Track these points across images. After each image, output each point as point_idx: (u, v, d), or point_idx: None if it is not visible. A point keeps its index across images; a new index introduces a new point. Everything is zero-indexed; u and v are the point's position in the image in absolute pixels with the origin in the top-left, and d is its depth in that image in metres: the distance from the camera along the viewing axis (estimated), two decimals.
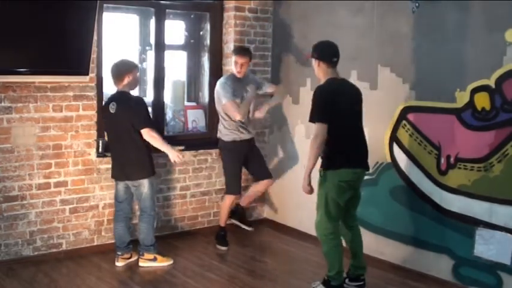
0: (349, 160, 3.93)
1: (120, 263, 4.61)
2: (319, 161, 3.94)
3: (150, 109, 5.35)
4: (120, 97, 4.42)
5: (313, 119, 3.86)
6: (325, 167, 3.92)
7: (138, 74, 4.53)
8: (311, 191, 3.94)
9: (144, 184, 4.48)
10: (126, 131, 4.37)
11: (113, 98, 4.46)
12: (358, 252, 4.18)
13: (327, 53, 3.97)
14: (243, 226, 5.31)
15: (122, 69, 4.42)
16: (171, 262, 4.66)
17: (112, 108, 4.39)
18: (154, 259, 4.61)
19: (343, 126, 3.89)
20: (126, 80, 4.41)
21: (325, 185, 3.92)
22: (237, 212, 5.39)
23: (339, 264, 4.00)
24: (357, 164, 3.98)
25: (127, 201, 4.64)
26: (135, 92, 4.68)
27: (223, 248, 5.10)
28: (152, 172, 4.54)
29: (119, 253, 4.63)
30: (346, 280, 4.22)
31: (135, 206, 4.86)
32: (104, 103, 4.63)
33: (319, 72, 4.00)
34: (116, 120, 4.40)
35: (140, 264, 4.61)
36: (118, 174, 4.54)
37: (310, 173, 3.87)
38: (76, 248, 4.77)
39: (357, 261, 4.19)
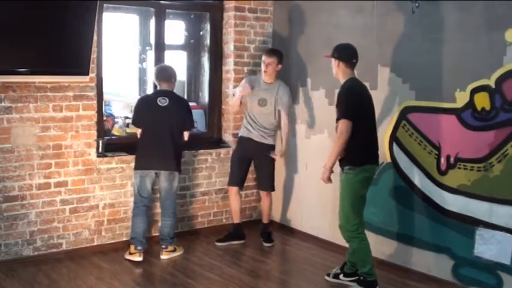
0: (370, 156, 4.10)
1: (137, 258, 4.70)
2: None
3: None
4: (172, 95, 4.70)
5: (343, 115, 3.94)
6: (349, 164, 4.01)
7: None
8: (329, 182, 4.10)
9: (176, 178, 4.74)
10: (176, 125, 4.67)
11: (161, 93, 4.68)
12: None
13: (347, 54, 4.10)
14: (263, 243, 5.24)
15: (173, 73, 4.78)
16: (182, 251, 4.90)
17: (162, 102, 4.62)
18: (175, 250, 4.83)
19: (365, 124, 4.02)
20: (172, 82, 4.75)
21: (350, 183, 4.01)
22: (261, 230, 5.35)
23: (371, 259, 4.10)
24: (374, 160, 4.14)
25: (150, 196, 4.76)
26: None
27: (217, 244, 5.15)
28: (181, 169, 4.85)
29: (139, 248, 4.70)
30: (341, 276, 4.32)
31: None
32: (145, 96, 4.94)
33: (338, 72, 4.14)
34: (167, 113, 4.62)
35: (164, 256, 4.77)
36: (154, 163, 4.64)
37: (332, 166, 4.02)
38: (76, 248, 4.77)
39: (355, 258, 4.24)
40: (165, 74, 4.74)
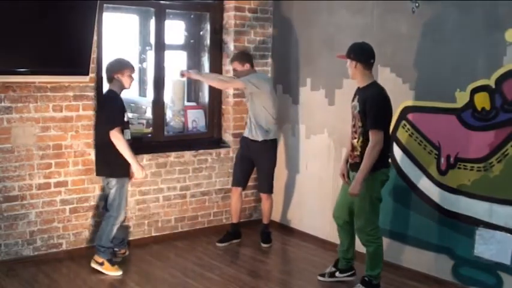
0: (386, 160, 4.04)
1: (117, 259, 4.62)
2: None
3: (149, 109, 5.39)
4: (104, 95, 4.57)
5: (376, 126, 3.84)
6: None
7: (130, 73, 4.46)
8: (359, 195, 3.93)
9: (112, 183, 4.42)
10: (102, 127, 4.40)
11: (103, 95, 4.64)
12: (354, 245, 4.28)
13: (365, 54, 3.96)
14: (262, 244, 5.25)
15: (109, 69, 4.47)
16: (118, 274, 4.41)
17: (100, 104, 4.58)
18: (102, 264, 4.43)
19: (388, 129, 3.99)
20: (111, 78, 4.45)
21: (369, 186, 3.93)
22: (260, 231, 5.35)
23: (382, 263, 4.09)
24: (388, 162, 4.09)
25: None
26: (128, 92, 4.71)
27: (218, 245, 5.15)
28: (122, 174, 4.43)
29: (116, 249, 4.65)
30: (337, 273, 4.33)
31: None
32: None
33: (356, 74, 3.98)
34: (97, 115, 4.57)
35: (91, 264, 4.48)
36: (96, 168, 4.60)
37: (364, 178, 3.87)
38: (76, 248, 4.77)
39: (350, 254, 4.30)
40: (105, 68, 4.51)
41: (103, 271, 4.42)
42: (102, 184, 4.71)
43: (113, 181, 4.42)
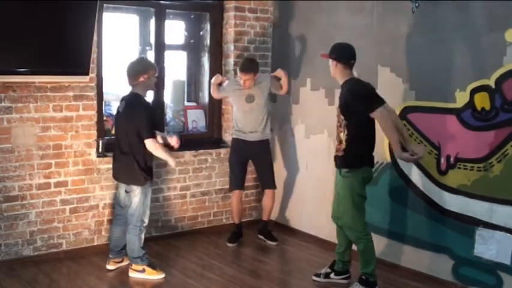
0: (370, 159, 4.07)
1: (111, 267, 4.51)
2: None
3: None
4: (128, 99, 4.30)
5: (374, 107, 3.84)
6: (348, 167, 3.98)
7: (155, 73, 4.33)
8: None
9: (135, 192, 4.28)
10: (128, 133, 4.23)
11: (124, 98, 4.37)
12: (351, 248, 4.28)
13: (345, 55, 4.03)
14: (268, 241, 5.29)
15: (133, 68, 4.27)
16: (161, 276, 4.37)
17: (120, 107, 4.33)
18: (143, 271, 4.36)
19: (371, 126, 4.00)
20: (134, 79, 4.25)
21: (348, 185, 3.99)
22: (261, 228, 5.40)
23: (375, 260, 4.10)
24: (372, 162, 4.10)
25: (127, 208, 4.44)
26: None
27: (229, 245, 5.17)
28: (145, 181, 4.29)
29: (111, 256, 4.53)
30: (332, 275, 4.34)
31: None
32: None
33: (336, 73, 4.08)
34: (122, 120, 4.30)
35: (130, 274, 4.39)
36: (115, 174, 4.44)
37: (399, 149, 3.86)
38: (76, 248, 4.77)
39: (346, 257, 4.31)
40: (128, 71, 4.27)
41: (146, 277, 4.34)
42: (118, 189, 4.53)
43: (137, 189, 4.27)
